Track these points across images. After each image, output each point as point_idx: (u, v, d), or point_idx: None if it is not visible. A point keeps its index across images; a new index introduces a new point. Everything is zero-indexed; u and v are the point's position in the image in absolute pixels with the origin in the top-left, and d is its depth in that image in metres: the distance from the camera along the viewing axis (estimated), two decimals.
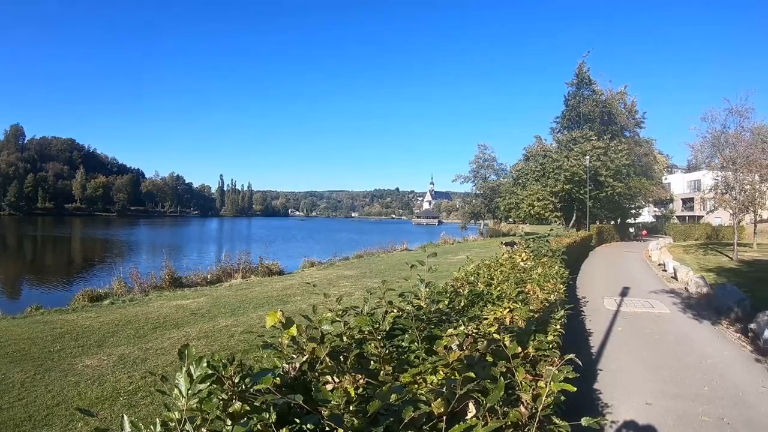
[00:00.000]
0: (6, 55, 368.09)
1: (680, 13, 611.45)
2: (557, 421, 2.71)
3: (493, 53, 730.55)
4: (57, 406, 8.46)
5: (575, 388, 2.62)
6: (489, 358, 3.02)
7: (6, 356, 11.58)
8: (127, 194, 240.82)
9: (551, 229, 25.14)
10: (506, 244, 23.50)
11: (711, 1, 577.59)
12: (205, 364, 2.09)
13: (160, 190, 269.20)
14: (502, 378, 2.49)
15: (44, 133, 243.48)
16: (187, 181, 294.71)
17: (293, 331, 2.69)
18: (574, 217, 65.63)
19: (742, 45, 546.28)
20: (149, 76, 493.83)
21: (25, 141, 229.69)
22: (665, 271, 30.60)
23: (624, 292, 21.58)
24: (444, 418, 2.21)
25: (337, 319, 3.28)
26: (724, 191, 39.77)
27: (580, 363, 3.03)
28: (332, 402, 2.21)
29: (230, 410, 2.06)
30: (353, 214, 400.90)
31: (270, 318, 2.71)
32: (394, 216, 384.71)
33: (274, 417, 2.04)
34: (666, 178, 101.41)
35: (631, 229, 73.30)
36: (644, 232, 73.81)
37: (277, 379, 2.42)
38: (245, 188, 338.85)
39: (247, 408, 2.06)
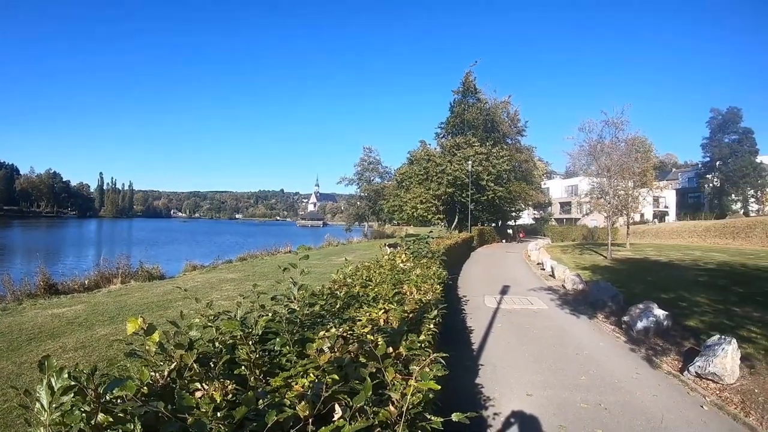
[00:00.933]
0: None
1: (562, 27, 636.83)
2: (431, 418, 2.76)
3: (381, 56, 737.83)
4: None
5: (439, 387, 2.69)
6: (362, 359, 3.07)
7: None
8: (0, 192, 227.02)
9: (431, 231, 25.53)
10: (389, 245, 23.73)
11: (593, 18, 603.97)
12: (66, 375, 2.04)
13: (35, 188, 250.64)
14: (369, 379, 2.55)
15: None
16: (65, 179, 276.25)
17: (156, 337, 2.65)
18: (456, 219, 67.06)
19: (619, 59, 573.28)
20: (25, 65, 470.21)
21: None
22: (543, 270, 31.76)
23: (504, 291, 22.18)
24: (310, 420, 2.24)
25: (209, 324, 3.26)
26: (600, 196, 41.80)
27: (444, 362, 3.11)
28: (200, 409, 2.20)
29: (93, 422, 2.01)
30: (237, 216, 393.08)
31: (131, 324, 2.64)
32: (278, 218, 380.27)
33: (139, 427, 2.01)
34: (545, 183, 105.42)
35: (510, 231, 75.00)
36: (522, 233, 75.20)
37: (145, 388, 2.39)
38: (126, 187, 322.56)
39: (111, 419, 2.03)
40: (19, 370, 10.79)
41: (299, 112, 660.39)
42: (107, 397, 2.13)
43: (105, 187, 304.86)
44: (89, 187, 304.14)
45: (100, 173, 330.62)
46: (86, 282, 24.73)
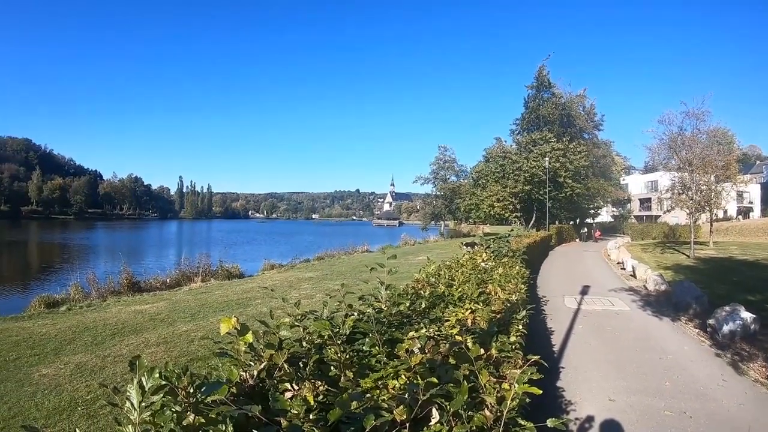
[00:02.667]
0: None
1: (638, 17, 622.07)
2: (523, 423, 2.66)
3: (454, 55, 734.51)
4: (13, 418, 8.25)
5: (540, 391, 2.58)
6: (451, 361, 2.97)
7: None
8: (85, 196, 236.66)
9: (512, 230, 25.07)
10: (467, 244, 23.47)
11: (667, 5, 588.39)
12: (157, 375, 2.02)
13: (118, 192, 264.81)
14: (465, 381, 2.45)
15: None
16: (145, 183, 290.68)
17: (249, 337, 2.61)
18: (533, 218, 66.14)
19: (700, 47, 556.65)
20: (106, 73, 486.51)
21: None
22: (624, 269, 30.94)
23: (584, 291, 21.72)
24: (407, 425, 2.16)
25: (296, 323, 3.21)
26: (681, 191, 40.47)
27: (546, 364, 2.99)
28: (291, 411, 2.14)
29: (184, 423, 1.97)
30: (314, 216, 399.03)
31: (224, 324, 2.60)
32: (354, 218, 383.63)
33: (230, 429, 1.96)
34: (624, 179, 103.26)
35: (584, 230, 70.16)
36: (598, 232, 69.65)
37: (234, 388, 2.35)
38: (205, 190, 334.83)
39: (202, 420, 1.98)
40: (103, 363, 11.19)
41: (375, 112, 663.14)
42: (198, 398, 2.09)
43: (184, 190, 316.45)
44: (169, 190, 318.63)
45: (180, 177, 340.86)
46: (168, 280, 25.48)
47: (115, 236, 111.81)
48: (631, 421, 8.32)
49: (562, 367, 11.31)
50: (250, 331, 2.62)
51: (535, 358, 2.98)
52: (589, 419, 8.32)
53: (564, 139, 65.18)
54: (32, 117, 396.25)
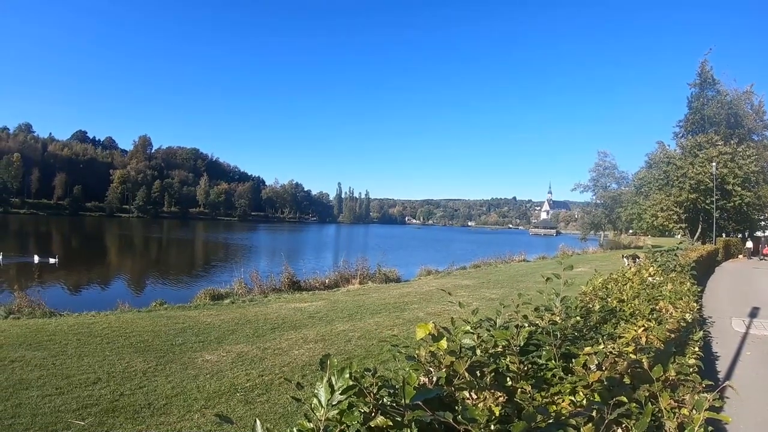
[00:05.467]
0: (136, 71, 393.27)
1: None
2: None
3: (611, 56, 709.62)
4: (176, 397, 8.91)
5: (730, 419, 2.46)
6: (626, 380, 2.90)
7: (131, 346, 12.35)
8: (248, 200, 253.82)
9: (680, 242, 23.98)
10: (628, 257, 22.70)
11: None
12: (347, 375, 2.09)
13: (279, 197, 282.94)
14: (649, 403, 2.38)
15: (170, 143, 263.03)
16: (305, 189, 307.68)
17: (443, 344, 2.66)
18: (699, 229, 62.40)
19: None
20: (269, 87, 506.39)
21: (153, 150, 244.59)
22: None
23: (753, 313, 20.30)
24: None
25: (470, 331, 3.22)
26: None
27: (738, 392, 2.86)
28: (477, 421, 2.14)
29: (372, 424, 2.04)
30: (470, 223, 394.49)
31: (420, 330, 2.69)
32: (510, 226, 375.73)
33: None
34: None
35: (749, 244, 60.20)
36: (767, 248, 58.36)
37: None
38: (362, 196, 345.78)
39: (389, 423, 2.04)
40: (263, 355, 11.87)
41: (532, 117, 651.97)
42: (385, 400, 2.15)
43: (343, 196, 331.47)
44: (328, 195, 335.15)
45: (338, 183, 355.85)
46: (326, 281, 26.44)
47: (276, 237, 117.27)
48: None
49: (727, 397, 10.72)
50: (445, 338, 2.66)
51: (728, 383, 2.86)
52: None
53: (731, 142, 60.26)
54: (200, 128, 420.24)
